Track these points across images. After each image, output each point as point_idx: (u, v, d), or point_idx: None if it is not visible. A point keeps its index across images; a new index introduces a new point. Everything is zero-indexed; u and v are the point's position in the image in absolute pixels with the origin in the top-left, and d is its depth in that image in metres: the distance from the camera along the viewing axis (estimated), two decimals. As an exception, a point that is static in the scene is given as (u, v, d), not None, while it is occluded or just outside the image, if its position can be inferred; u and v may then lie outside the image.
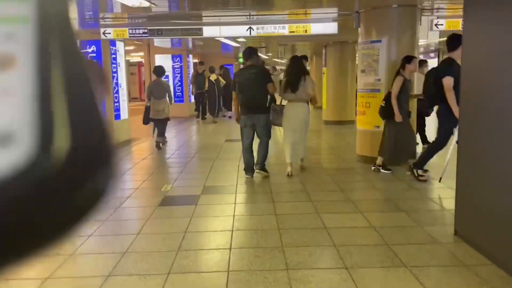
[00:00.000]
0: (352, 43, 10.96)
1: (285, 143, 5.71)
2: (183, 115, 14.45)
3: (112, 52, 8.76)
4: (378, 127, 6.09)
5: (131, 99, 15.51)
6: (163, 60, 14.49)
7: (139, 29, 7.22)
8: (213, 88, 13.67)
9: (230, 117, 13.25)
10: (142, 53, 17.06)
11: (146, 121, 7.79)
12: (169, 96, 7.83)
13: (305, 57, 7.40)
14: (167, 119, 7.86)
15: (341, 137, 9.18)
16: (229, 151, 7.59)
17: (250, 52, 5.54)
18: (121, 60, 9.09)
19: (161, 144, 7.94)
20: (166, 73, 14.62)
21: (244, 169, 5.60)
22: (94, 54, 8.28)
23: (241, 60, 21.41)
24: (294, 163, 5.70)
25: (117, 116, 8.94)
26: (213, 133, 10.53)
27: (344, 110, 11.12)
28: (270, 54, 19.10)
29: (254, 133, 5.48)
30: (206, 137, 10.00)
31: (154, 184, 5.47)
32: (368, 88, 6.20)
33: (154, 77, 8.01)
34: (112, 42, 8.71)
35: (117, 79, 8.93)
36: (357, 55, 6.56)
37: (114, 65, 8.82)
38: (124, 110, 9.21)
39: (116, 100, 8.89)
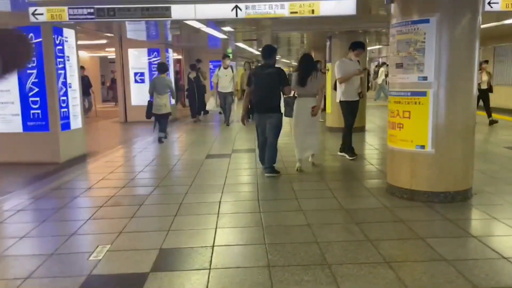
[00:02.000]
0: (362, 33, 9.03)
1: (294, 138, 5.80)
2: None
3: (58, 42, 6.72)
4: (422, 147, 4.17)
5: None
6: (137, 55, 12.46)
7: (82, 8, 5.20)
8: (192, 86, 12.21)
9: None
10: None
11: (148, 115, 8.11)
12: (172, 92, 8.34)
13: (317, 61, 7.93)
14: (169, 114, 8.32)
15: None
16: (209, 176, 5.63)
17: (270, 50, 5.50)
18: (70, 53, 7.05)
19: (162, 139, 8.20)
20: (142, 70, 12.75)
21: (260, 161, 5.71)
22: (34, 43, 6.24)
23: (230, 56, 19.50)
24: (303, 159, 5.79)
25: (66, 126, 6.90)
26: (194, 143, 8.52)
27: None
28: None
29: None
30: (183, 149, 8.02)
31: (81, 243, 3.49)
32: (407, 91, 4.26)
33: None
34: (58, 30, 6.67)
35: (64, 78, 6.89)
36: (390, 42, 4.58)
37: (61, 59, 6.78)
38: (76, 117, 7.17)
39: (63, 105, 6.85)
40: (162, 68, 8.32)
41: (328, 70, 9.32)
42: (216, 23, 8.54)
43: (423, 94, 4.14)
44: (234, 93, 11.03)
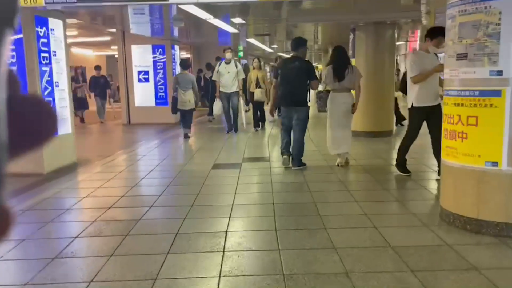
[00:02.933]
0: (390, 25, 7.97)
1: (329, 133, 5.61)
2: (167, 122, 11.49)
3: (42, 34, 5.81)
4: (495, 163, 3.13)
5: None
6: (142, 52, 11.56)
7: (61, -10, 4.29)
8: (207, 86, 11.79)
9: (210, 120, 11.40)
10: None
11: (174, 110, 8.42)
12: (193, 88, 8.39)
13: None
14: (193, 109, 8.56)
15: (380, 158, 6.22)
16: (213, 192, 4.65)
17: (299, 43, 5.42)
18: (58, 47, 6.14)
19: (188, 134, 8.46)
20: (146, 68, 11.85)
21: (281, 152, 5.60)
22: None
23: (241, 54, 18.57)
24: (342, 153, 5.55)
25: (51, 131, 5.99)
26: (201, 149, 7.56)
27: (379, 117, 8.14)
28: (275, 46, 16.12)
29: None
30: (188, 156, 7.07)
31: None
32: (473, 89, 3.23)
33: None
34: (41, 20, 5.77)
35: (50, 75, 5.98)
36: (448, 27, 3.54)
37: (45, 54, 5.87)
38: (64, 121, 6.27)
39: (48, 107, 5.95)
40: (185, 64, 8.73)
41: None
42: (225, 13, 7.57)
43: (497, 93, 3.10)
44: (239, 93, 8.99)
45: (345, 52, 5.59)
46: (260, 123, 9.57)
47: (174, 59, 11.74)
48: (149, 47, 11.46)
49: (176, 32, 10.93)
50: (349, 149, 5.60)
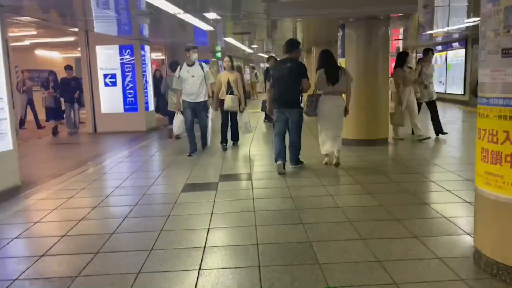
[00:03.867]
0: (384, 20, 7.14)
1: (321, 136, 5.65)
2: (138, 129, 10.44)
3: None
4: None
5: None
6: (108, 54, 10.48)
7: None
8: None
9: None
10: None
11: (163, 112, 9.63)
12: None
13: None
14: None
15: (381, 173, 5.36)
16: (180, 231, 3.67)
17: (292, 44, 5.42)
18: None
19: (180, 136, 8.22)
20: (113, 71, 10.73)
21: (276, 157, 5.47)
22: None
23: (218, 55, 17.60)
24: (330, 153, 5.61)
25: (-16, 149, 4.92)
26: (172, 165, 6.55)
27: (373, 123, 7.30)
28: (255, 46, 15.23)
29: (286, 128, 5.44)
30: (155, 174, 6.06)
31: None
32: (525, 97, 2.36)
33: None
34: None
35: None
36: (483, 15, 2.61)
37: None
38: (2, 136, 5.18)
39: (-20, 120, 4.92)
40: (175, 66, 8.05)
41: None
42: (195, 5, 6.60)
43: None
44: (208, 102, 6.97)
45: (333, 55, 5.67)
46: (233, 140, 7.66)
47: (144, 60, 10.67)
48: (115, 48, 10.36)
49: (146, 31, 9.89)
50: (339, 147, 5.57)
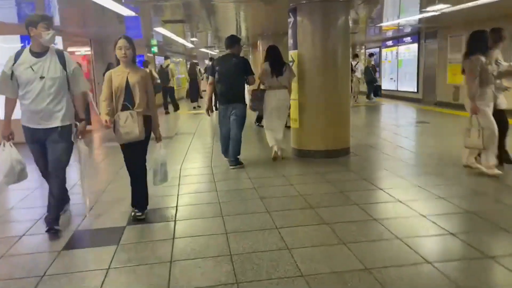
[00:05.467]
0: (343, 2, 5.85)
1: (267, 129, 5.81)
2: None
3: None
4: None
5: None
6: (4, 47, 8.45)
7: None
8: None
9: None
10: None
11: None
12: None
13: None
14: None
15: (344, 199, 4.05)
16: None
17: (233, 40, 5.48)
18: None
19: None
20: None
21: (223, 152, 5.66)
22: None
23: (154, 50, 15.76)
24: (277, 145, 5.76)
25: None
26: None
27: (334, 130, 5.98)
28: (195, 39, 13.60)
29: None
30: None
31: None
32: None
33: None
34: None
35: None
36: None
37: None
38: None
39: None
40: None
41: (293, 61, 6.01)
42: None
43: None
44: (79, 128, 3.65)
45: (280, 52, 5.71)
46: (138, 207, 3.85)
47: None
48: (16, 38, 8.32)
49: (54, 17, 7.99)
50: (281, 137, 5.76)
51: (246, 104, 5.50)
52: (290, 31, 6.07)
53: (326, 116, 5.84)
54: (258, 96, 5.66)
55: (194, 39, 13.40)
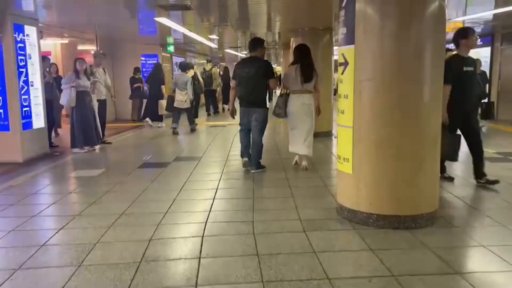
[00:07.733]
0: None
1: (291, 135, 5.62)
2: (8, 160, 6.56)
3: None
4: None
5: None
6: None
7: None
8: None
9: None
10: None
11: (169, 108, 9.91)
12: (188, 90, 9.37)
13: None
14: (189, 108, 9.59)
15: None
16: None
17: (256, 43, 5.47)
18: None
19: (193, 128, 9.65)
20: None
21: (241, 155, 5.65)
22: None
23: (170, 49, 13.82)
24: (301, 154, 5.58)
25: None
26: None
27: (418, 181, 3.54)
28: (214, 37, 11.45)
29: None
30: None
31: None
32: None
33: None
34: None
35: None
36: None
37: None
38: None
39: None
40: (183, 66, 9.62)
41: (347, 63, 3.63)
42: None
43: None
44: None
45: (310, 51, 5.48)
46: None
47: (23, 49, 6.63)
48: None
49: (27, 3, 5.99)
50: (310, 153, 5.55)
51: (267, 108, 5.38)
52: (342, 15, 3.71)
53: (406, 158, 3.44)
54: (283, 102, 5.49)
55: (213, 36, 11.23)
